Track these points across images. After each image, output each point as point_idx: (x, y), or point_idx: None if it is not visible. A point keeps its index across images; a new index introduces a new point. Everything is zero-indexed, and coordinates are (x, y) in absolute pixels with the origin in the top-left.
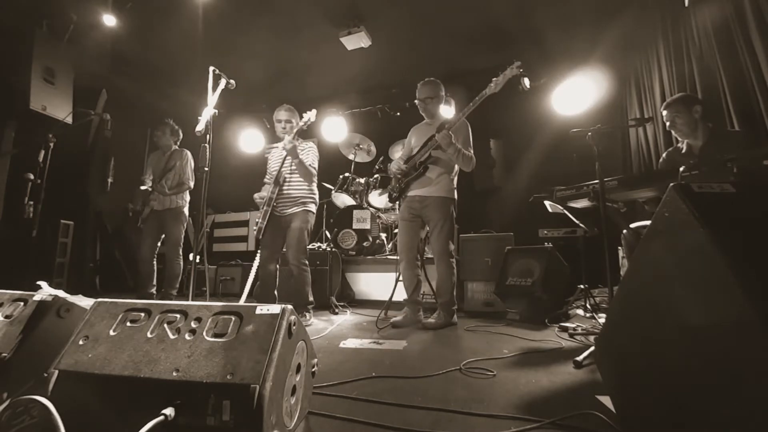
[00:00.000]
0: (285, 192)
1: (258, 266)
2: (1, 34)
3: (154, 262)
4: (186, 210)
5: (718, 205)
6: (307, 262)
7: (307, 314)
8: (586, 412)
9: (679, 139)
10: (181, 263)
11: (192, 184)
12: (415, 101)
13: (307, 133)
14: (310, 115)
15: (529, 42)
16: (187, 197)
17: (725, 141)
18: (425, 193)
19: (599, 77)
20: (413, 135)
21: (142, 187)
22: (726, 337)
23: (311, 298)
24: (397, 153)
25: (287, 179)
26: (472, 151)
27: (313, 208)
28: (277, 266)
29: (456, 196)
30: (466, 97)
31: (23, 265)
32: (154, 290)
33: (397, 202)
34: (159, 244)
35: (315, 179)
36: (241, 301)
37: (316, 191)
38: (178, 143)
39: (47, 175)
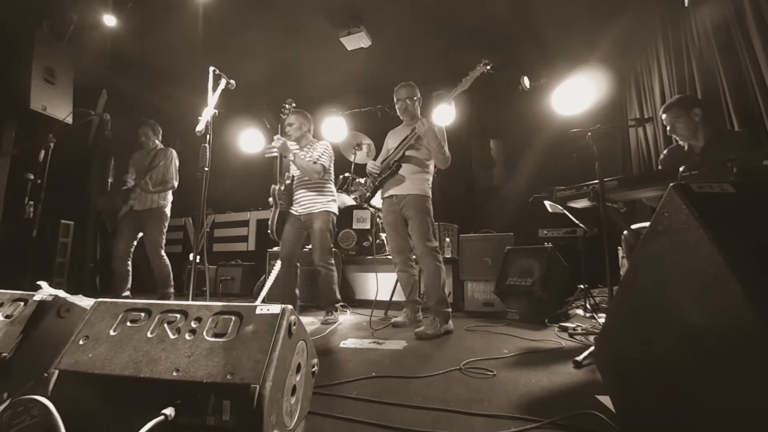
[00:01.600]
0: (301, 191)
1: (280, 264)
2: (1, 34)
3: (129, 263)
4: (168, 210)
5: (718, 205)
6: (333, 261)
7: (334, 312)
8: (586, 412)
9: (680, 142)
10: (168, 262)
11: (176, 183)
12: (395, 103)
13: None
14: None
15: (529, 42)
16: (170, 197)
17: (727, 141)
18: (401, 192)
19: (599, 77)
20: (390, 138)
21: (124, 187)
22: (726, 337)
23: (339, 296)
24: None
25: (300, 178)
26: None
27: (333, 207)
28: (298, 265)
29: (430, 194)
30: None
31: (23, 265)
32: (129, 293)
33: (372, 204)
34: (135, 243)
35: (326, 176)
36: (258, 301)
37: (333, 189)
38: (159, 139)
39: (47, 175)
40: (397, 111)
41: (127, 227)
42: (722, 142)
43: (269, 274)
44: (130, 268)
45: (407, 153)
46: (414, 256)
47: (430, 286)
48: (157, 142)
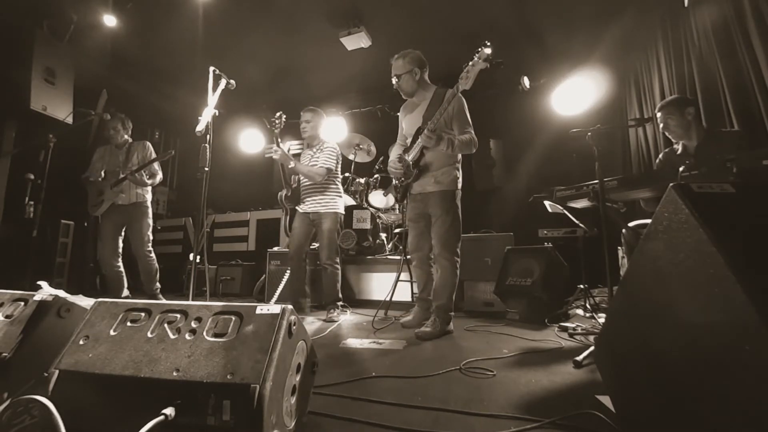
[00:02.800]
0: (309, 192)
1: (288, 258)
2: (1, 34)
3: (119, 263)
4: (151, 205)
5: (718, 205)
6: (338, 260)
7: (335, 310)
8: (585, 412)
9: (673, 140)
10: (155, 258)
11: (161, 175)
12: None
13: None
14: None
15: (529, 42)
16: (150, 192)
17: (721, 141)
18: (426, 189)
19: (599, 77)
20: (403, 118)
21: (91, 179)
22: (726, 336)
23: (340, 295)
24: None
25: (306, 179)
26: (471, 130)
27: (340, 207)
28: (306, 260)
29: (460, 187)
30: (466, 96)
31: (23, 265)
32: (128, 293)
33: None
34: (121, 242)
35: (332, 176)
36: (273, 300)
37: (340, 189)
38: (129, 134)
39: (47, 175)
40: (400, 89)
41: (111, 226)
42: (716, 141)
43: (269, 275)
44: (121, 268)
45: (426, 151)
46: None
47: (440, 288)
48: (126, 136)
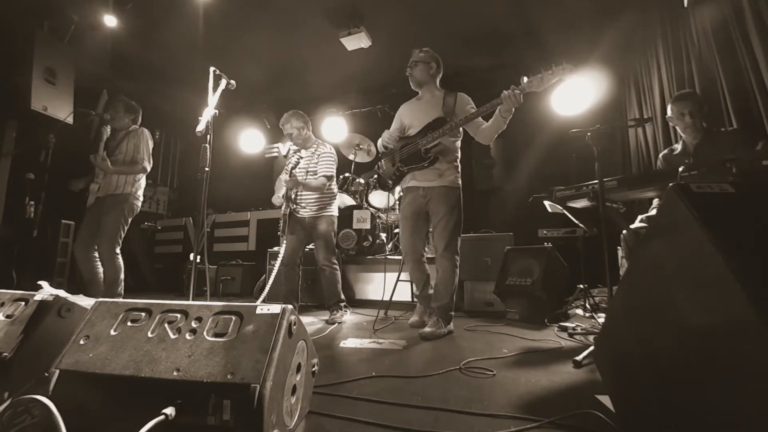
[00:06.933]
0: (305, 195)
1: (281, 264)
2: (1, 34)
3: (94, 261)
4: (137, 202)
5: (718, 205)
6: (336, 261)
7: (338, 311)
8: (585, 411)
9: (682, 134)
10: (121, 264)
11: (148, 166)
12: (408, 67)
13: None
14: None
15: (529, 42)
16: (140, 186)
17: (720, 140)
18: (429, 184)
19: (599, 78)
20: (405, 112)
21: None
22: (725, 337)
23: (342, 296)
24: None
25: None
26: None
27: (335, 210)
28: (300, 265)
29: (461, 184)
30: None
31: (24, 265)
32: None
33: (397, 198)
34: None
35: (331, 183)
36: (259, 301)
37: (336, 191)
38: (138, 122)
39: (47, 175)
40: (411, 77)
41: (89, 220)
42: (715, 140)
43: (269, 274)
44: (98, 268)
45: (443, 141)
46: (426, 257)
47: (442, 288)
48: (127, 120)
